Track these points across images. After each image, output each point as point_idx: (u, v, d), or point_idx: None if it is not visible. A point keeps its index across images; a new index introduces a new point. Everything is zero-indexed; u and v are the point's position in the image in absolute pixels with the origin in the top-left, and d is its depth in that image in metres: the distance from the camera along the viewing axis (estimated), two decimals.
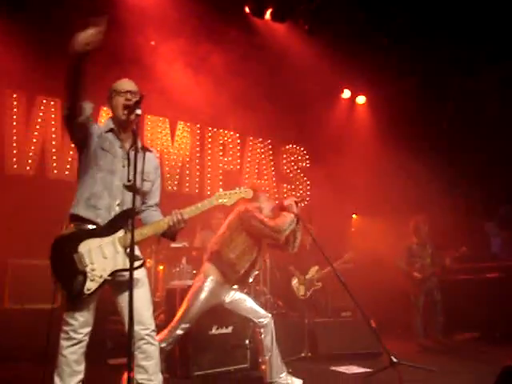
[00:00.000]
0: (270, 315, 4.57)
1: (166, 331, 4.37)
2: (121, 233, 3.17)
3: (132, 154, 3.22)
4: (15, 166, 7.14)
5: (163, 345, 4.22)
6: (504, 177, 8.17)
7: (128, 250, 3.08)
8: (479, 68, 8.26)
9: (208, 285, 4.41)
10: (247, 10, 7.03)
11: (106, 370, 5.06)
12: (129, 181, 3.08)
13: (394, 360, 4.29)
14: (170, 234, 3.32)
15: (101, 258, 3.11)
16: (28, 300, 6.20)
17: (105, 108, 7.27)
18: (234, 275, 4.48)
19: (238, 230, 4.50)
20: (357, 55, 8.18)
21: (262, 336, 4.47)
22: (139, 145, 3.30)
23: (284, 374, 4.52)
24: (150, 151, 3.46)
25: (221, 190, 3.45)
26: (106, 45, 6.96)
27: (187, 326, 4.39)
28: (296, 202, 4.56)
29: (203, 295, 4.39)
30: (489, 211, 8.03)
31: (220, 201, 3.39)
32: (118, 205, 3.22)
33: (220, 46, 7.81)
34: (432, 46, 7.82)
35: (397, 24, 7.56)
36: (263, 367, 4.50)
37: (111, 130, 3.32)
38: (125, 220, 3.17)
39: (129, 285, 2.87)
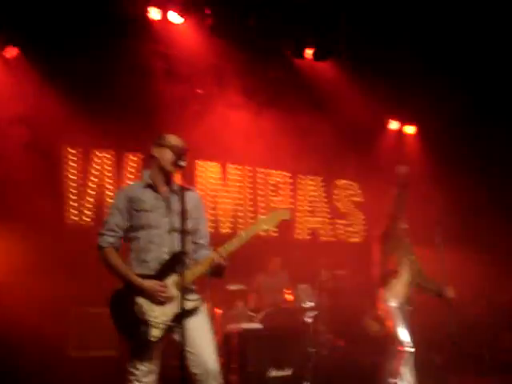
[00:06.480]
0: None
1: (398, 362, 4.66)
2: (174, 277, 3.21)
3: (171, 198, 3.35)
4: (75, 217, 7.42)
5: (407, 369, 4.62)
6: None
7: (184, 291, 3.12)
8: None
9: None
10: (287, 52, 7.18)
11: None
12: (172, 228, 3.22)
13: None
14: (217, 273, 3.34)
15: (159, 305, 3.17)
16: (92, 347, 6.34)
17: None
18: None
19: None
20: (402, 85, 8.17)
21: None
22: (175, 186, 3.39)
23: None
24: (189, 190, 3.44)
25: (260, 216, 3.45)
26: (157, 94, 7.32)
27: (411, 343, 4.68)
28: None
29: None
30: None
31: (262, 227, 3.38)
32: (167, 253, 3.27)
33: (264, 87, 7.98)
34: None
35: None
36: None
37: (149, 186, 3.40)
38: (175, 263, 3.21)
39: (181, 331, 2.91)
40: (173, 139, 3.40)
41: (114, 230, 3.31)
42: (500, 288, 7.59)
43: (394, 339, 4.78)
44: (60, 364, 6.05)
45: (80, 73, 6.95)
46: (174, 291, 3.19)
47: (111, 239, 3.30)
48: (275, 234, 8.54)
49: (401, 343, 4.68)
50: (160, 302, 3.16)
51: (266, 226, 3.40)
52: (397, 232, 4.89)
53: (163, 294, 3.16)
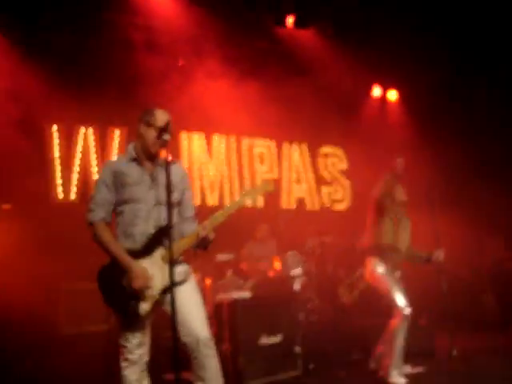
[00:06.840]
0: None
1: (396, 320, 4.67)
2: (161, 250, 3.25)
3: (156, 171, 3.36)
4: (61, 196, 7.38)
5: (402, 332, 4.64)
6: None
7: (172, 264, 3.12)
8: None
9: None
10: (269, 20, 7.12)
11: None
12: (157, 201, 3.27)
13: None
14: (203, 246, 3.39)
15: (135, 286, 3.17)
16: (84, 323, 6.39)
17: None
18: None
19: None
20: (383, 51, 8.16)
21: None
22: (160, 159, 3.39)
23: None
24: (174, 162, 3.40)
25: (245, 189, 3.49)
26: (138, 66, 7.25)
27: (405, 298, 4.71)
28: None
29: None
30: None
31: (247, 199, 3.43)
32: (153, 226, 3.29)
33: (247, 56, 7.93)
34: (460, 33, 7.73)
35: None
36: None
37: (134, 159, 3.39)
38: (162, 237, 3.24)
39: (170, 301, 2.94)
40: (160, 117, 3.33)
41: (102, 205, 3.30)
42: (482, 250, 7.75)
43: (389, 303, 4.79)
44: (52, 341, 6.12)
45: (58, 47, 6.84)
46: (161, 264, 3.22)
47: (101, 213, 3.29)
48: (262, 204, 8.63)
49: (397, 306, 4.68)
50: (134, 288, 3.15)
51: (250, 198, 3.44)
52: (393, 207, 4.86)
53: (143, 284, 3.16)
